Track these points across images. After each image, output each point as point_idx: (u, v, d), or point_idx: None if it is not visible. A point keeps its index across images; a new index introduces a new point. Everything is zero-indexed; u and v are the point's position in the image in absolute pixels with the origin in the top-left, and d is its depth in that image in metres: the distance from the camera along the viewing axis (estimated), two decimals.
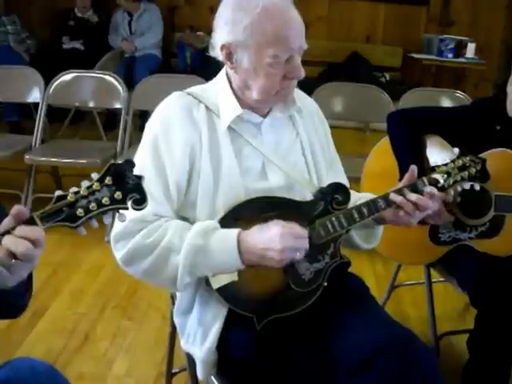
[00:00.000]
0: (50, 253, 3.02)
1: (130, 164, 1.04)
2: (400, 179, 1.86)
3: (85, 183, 1.01)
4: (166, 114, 1.45)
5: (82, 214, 0.99)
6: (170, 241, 1.35)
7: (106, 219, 1.03)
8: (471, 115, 2.00)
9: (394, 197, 1.44)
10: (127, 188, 1.02)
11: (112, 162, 1.04)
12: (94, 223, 1.02)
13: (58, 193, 1.00)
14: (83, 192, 1.00)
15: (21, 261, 0.96)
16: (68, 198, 0.99)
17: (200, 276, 1.38)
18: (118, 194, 1.01)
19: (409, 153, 1.94)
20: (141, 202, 1.03)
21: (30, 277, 1.12)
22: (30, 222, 0.97)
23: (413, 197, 1.43)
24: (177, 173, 1.40)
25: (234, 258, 1.32)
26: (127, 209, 1.02)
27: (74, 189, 1.00)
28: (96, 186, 1.01)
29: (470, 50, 5.80)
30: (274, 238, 1.29)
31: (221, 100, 1.47)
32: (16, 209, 0.97)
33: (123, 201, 1.02)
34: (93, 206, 1.00)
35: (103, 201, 1.00)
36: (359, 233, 1.56)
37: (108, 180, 1.01)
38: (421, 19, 6.27)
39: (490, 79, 5.99)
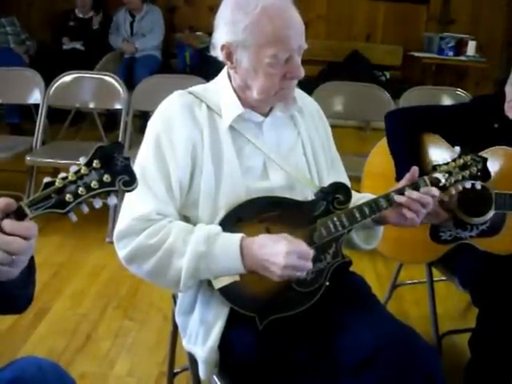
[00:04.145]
0: (51, 254, 3.03)
1: (118, 146, 1.02)
2: (396, 179, 1.87)
3: (73, 168, 0.99)
4: (168, 113, 1.45)
5: (71, 200, 0.98)
6: (172, 243, 1.35)
7: (96, 203, 1.01)
8: (469, 113, 2.00)
9: (398, 198, 1.44)
10: (116, 170, 1.00)
11: (99, 144, 1.02)
12: (85, 208, 1.00)
13: (46, 179, 0.98)
14: (71, 177, 0.98)
15: (18, 255, 0.96)
16: (56, 183, 0.98)
17: (202, 279, 1.38)
18: (106, 177, 1.00)
19: (406, 152, 1.94)
20: (130, 183, 1.02)
21: (31, 268, 1.12)
22: (19, 211, 0.96)
23: (414, 194, 1.43)
24: (179, 170, 1.40)
25: (237, 264, 1.32)
26: (117, 191, 1.01)
27: (62, 174, 0.98)
28: (84, 170, 0.99)
29: (471, 47, 5.79)
30: (279, 254, 1.28)
31: (222, 99, 1.47)
32: (4, 202, 0.96)
33: (112, 183, 1.00)
34: (81, 190, 0.98)
35: (92, 185, 0.99)
36: (359, 234, 1.56)
37: (96, 163, 0.99)
38: (421, 17, 6.26)
39: (492, 77, 5.98)
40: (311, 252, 1.32)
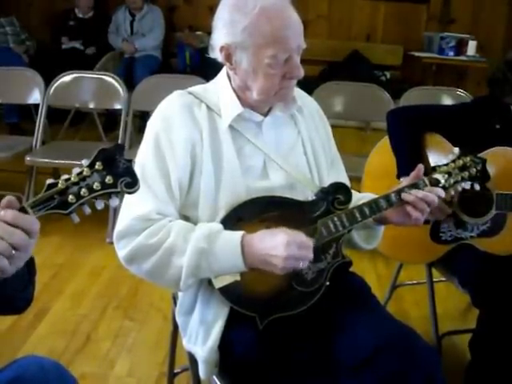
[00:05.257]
0: (51, 255, 3.03)
1: (120, 148, 1.04)
2: (398, 176, 1.87)
3: (75, 170, 1.01)
4: (168, 112, 1.45)
5: (74, 201, 0.99)
6: (173, 242, 1.34)
7: (99, 205, 1.02)
8: (470, 114, 2.00)
9: (405, 196, 1.44)
10: (118, 172, 1.02)
11: (102, 147, 1.03)
12: (87, 209, 1.02)
13: (49, 181, 1.00)
14: (74, 179, 1.00)
15: (18, 251, 0.96)
16: (59, 185, 0.99)
17: (203, 277, 1.38)
18: (108, 179, 1.01)
19: (407, 151, 1.94)
20: (132, 185, 1.03)
21: (31, 270, 1.12)
22: (21, 211, 0.97)
23: (420, 193, 1.43)
24: (179, 170, 1.40)
25: (238, 262, 1.32)
26: (119, 192, 1.02)
27: (65, 176, 1.00)
28: (86, 171, 1.00)
29: (471, 47, 5.77)
30: (279, 246, 1.28)
31: (221, 99, 1.47)
32: (7, 199, 0.97)
33: (114, 185, 1.01)
34: (84, 191, 1.00)
35: (94, 186, 1.00)
36: (360, 233, 1.56)
37: (98, 165, 1.01)
38: (421, 17, 6.25)
39: None
40: (311, 241, 1.32)
